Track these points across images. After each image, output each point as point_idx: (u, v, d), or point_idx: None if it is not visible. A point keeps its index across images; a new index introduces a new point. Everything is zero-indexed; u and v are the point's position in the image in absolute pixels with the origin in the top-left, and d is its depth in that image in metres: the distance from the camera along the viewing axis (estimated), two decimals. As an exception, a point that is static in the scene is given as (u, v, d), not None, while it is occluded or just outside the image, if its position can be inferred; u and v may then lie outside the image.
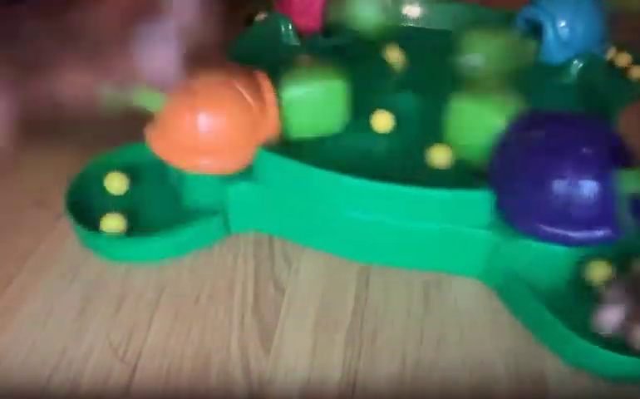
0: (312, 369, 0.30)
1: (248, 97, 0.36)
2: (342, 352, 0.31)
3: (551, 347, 0.31)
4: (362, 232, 0.35)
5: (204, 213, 0.37)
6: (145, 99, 0.33)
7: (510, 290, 0.33)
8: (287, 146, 0.38)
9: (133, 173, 0.40)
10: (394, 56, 0.50)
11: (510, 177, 0.33)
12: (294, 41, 0.53)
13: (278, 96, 0.38)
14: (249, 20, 0.56)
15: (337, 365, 0.30)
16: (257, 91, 0.37)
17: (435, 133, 0.39)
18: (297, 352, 0.31)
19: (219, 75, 0.36)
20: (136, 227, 0.36)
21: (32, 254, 0.36)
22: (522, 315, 0.33)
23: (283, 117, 0.38)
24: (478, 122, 0.37)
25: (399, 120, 0.42)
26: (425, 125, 0.41)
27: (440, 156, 0.38)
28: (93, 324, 0.32)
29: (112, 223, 0.36)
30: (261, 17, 0.55)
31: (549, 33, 0.48)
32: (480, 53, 0.45)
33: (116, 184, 0.39)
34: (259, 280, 0.35)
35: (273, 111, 0.37)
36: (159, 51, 0.24)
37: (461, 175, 0.37)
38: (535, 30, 0.50)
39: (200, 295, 0.34)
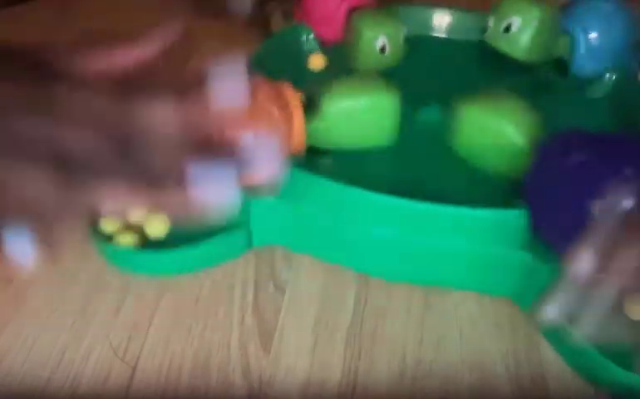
0: (312, 369, 0.30)
1: (274, 112, 0.35)
2: (342, 352, 0.31)
3: (586, 376, 0.30)
4: (390, 250, 0.34)
5: (226, 227, 0.36)
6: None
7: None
8: (310, 160, 0.37)
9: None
10: (316, 62, 0.50)
11: (550, 199, 0.32)
12: (316, 52, 0.52)
13: (324, 106, 0.38)
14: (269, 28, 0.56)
15: (337, 365, 0.30)
16: (284, 106, 0.36)
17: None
18: (297, 352, 0.31)
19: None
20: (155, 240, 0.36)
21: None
22: (558, 342, 0.31)
23: (330, 127, 0.38)
24: (487, 128, 0.37)
25: (423, 133, 0.41)
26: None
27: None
28: (93, 324, 0.32)
29: (130, 238, 0.35)
30: (278, 24, 0.55)
31: (581, 45, 0.46)
32: (517, 15, 0.44)
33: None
34: (259, 280, 0.35)
35: (299, 124, 0.37)
36: (216, 188, 0.25)
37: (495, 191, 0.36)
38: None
39: (200, 295, 0.34)
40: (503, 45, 0.45)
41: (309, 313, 0.33)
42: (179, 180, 0.25)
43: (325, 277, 0.35)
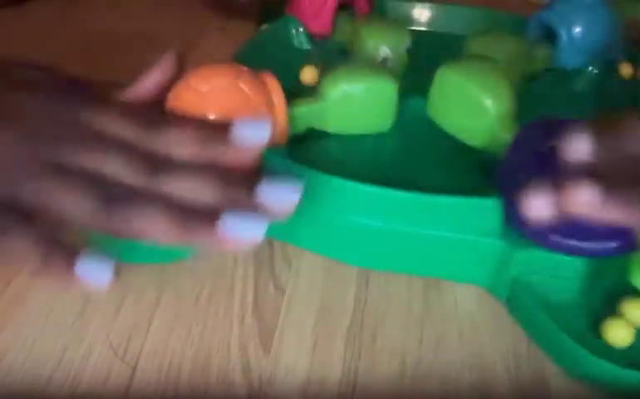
0: (312, 369, 0.30)
1: (255, 100, 0.35)
2: (342, 352, 0.31)
3: (556, 360, 0.30)
4: (367, 238, 0.34)
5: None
6: None
7: (519, 302, 0.32)
8: (291, 148, 0.37)
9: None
10: (309, 76, 0.49)
11: (521, 185, 0.32)
12: (306, 45, 0.53)
13: (324, 90, 0.38)
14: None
15: (337, 365, 0.30)
16: (264, 94, 0.36)
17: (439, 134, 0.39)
18: (297, 352, 0.31)
19: (225, 76, 0.36)
20: None
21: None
22: (530, 327, 0.32)
23: (331, 110, 0.39)
24: (460, 93, 0.38)
25: (405, 124, 0.42)
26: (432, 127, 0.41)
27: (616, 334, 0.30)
28: (93, 324, 0.32)
29: None
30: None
31: (564, 38, 0.48)
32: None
33: None
34: (259, 280, 0.35)
35: (281, 114, 0.37)
36: (246, 235, 0.26)
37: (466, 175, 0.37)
38: (549, 35, 0.49)
39: (200, 295, 0.34)
40: None
41: (309, 313, 0.33)
42: (209, 216, 0.26)
43: (325, 277, 0.35)
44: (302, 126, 0.40)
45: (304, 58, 0.51)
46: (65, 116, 0.29)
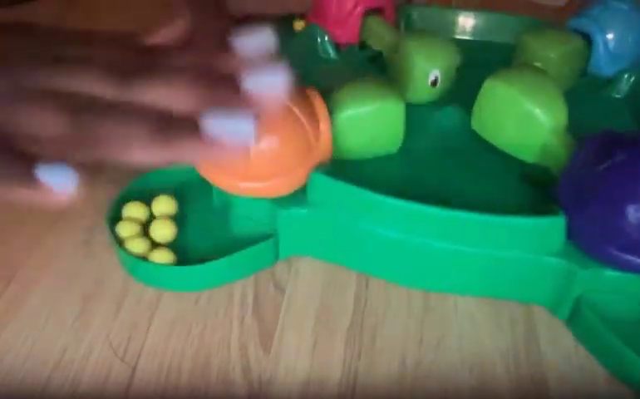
0: (312, 369, 0.30)
1: (302, 118, 0.34)
2: (342, 352, 0.31)
3: (622, 378, 0.30)
4: (424, 258, 0.33)
5: (252, 239, 0.35)
6: None
7: (582, 320, 0.32)
8: (338, 168, 0.35)
9: (176, 194, 0.38)
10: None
11: (584, 202, 0.31)
12: (331, 54, 0.51)
13: (333, 115, 0.36)
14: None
15: (337, 365, 0.30)
16: (310, 112, 0.35)
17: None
18: (297, 352, 0.31)
19: None
20: (180, 252, 0.35)
21: (32, 255, 0.36)
22: (594, 345, 0.31)
23: (338, 137, 0.37)
24: (509, 106, 0.36)
25: (445, 136, 0.41)
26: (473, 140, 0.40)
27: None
28: (93, 324, 0.32)
29: (161, 256, 0.34)
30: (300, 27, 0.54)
31: (599, 45, 0.47)
32: (539, 60, 0.43)
33: (163, 207, 0.37)
34: (259, 280, 0.35)
35: (326, 132, 0.35)
36: (232, 136, 0.24)
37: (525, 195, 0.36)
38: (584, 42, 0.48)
39: (200, 295, 0.34)
40: None
41: (309, 313, 0.33)
42: (195, 127, 0.24)
43: (325, 277, 0.35)
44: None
45: (330, 67, 0.50)
46: (36, 46, 0.28)
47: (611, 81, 0.47)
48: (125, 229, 0.35)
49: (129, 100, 0.25)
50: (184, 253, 0.35)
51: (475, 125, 0.39)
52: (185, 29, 0.32)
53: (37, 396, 0.29)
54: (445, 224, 0.32)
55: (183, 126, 0.24)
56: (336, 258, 0.36)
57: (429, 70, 0.43)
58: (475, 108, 0.39)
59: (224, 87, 0.25)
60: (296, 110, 0.34)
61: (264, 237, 0.35)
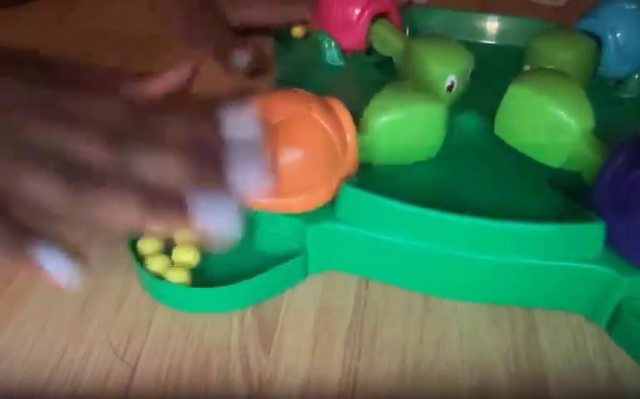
0: (312, 369, 0.30)
1: (329, 130, 0.33)
2: (342, 352, 0.31)
3: None
4: (461, 270, 0.33)
5: (277, 256, 0.34)
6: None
7: (624, 326, 0.31)
8: (364, 180, 0.35)
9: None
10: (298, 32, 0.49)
11: (626, 208, 0.30)
12: (338, 61, 0.50)
13: (369, 120, 0.36)
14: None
15: (337, 365, 0.30)
16: (337, 123, 0.34)
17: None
18: (297, 352, 0.31)
19: (296, 104, 0.33)
20: (201, 270, 0.34)
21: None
22: (637, 351, 0.31)
23: (377, 142, 0.36)
24: (536, 110, 0.35)
25: (467, 142, 0.40)
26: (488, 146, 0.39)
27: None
28: (93, 324, 0.32)
29: (176, 275, 0.33)
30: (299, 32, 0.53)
31: (610, 46, 0.46)
32: (551, 63, 0.42)
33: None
34: (259, 280, 0.35)
35: (352, 144, 0.35)
36: (217, 218, 0.25)
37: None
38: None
39: (200, 295, 0.34)
40: None
41: (309, 313, 0.33)
42: (182, 201, 0.25)
43: (325, 277, 0.35)
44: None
45: (338, 74, 0.49)
46: (39, 101, 0.27)
47: (621, 82, 0.46)
48: (146, 246, 0.34)
49: (122, 166, 0.25)
50: (203, 272, 0.34)
51: (500, 131, 0.38)
52: (189, 74, 0.33)
53: (37, 396, 0.29)
54: (482, 235, 0.31)
55: (171, 199, 0.25)
56: (368, 272, 0.35)
57: (445, 75, 0.42)
58: (500, 114, 0.38)
59: (214, 168, 0.26)
60: (322, 121, 0.33)
61: (291, 254, 0.34)
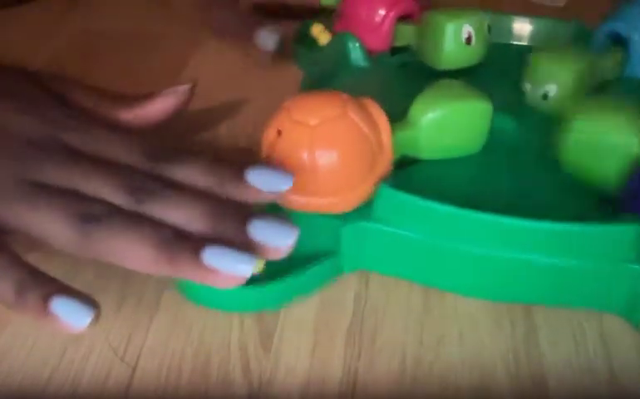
0: (312, 369, 0.30)
1: (366, 130, 0.33)
2: (342, 352, 0.31)
3: None
4: (499, 270, 0.33)
5: (310, 256, 0.33)
6: None
7: None
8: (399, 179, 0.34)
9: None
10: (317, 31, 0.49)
11: None
12: (363, 62, 0.49)
13: (414, 115, 0.36)
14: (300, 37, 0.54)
15: (337, 365, 0.30)
16: (372, 123, 0.34)
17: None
18: (297, 352, 0.31)
19: (333, 106, 0.33)
20: None
21: (31, 254, 0.36)
22: None
23: (422, 138, 0.36)
24: (605, 143, 0.34)
25: (496, 142, 0.40)
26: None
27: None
28: (93, 324, 0.32)
29: None
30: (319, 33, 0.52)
31: (636, 46, 0.45)
32: (552, 81, 0.42)
33: None
34: (259, 280, 0.35)
35: (388, 143, 0.35)
36: (228, 272, 0.25)
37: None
38: (617, 45, 0.47)
39: (200, 295, 0.34)
40: (544, 109, 0.43)
41: (309, 313, 0.33)
42: (195, 246, 0.25)
43: (325, 277, 0.35)
44: (394, 156, 0.36)
45: (363, 75, 0.48)
46: (47, 133, 0.27)
47: None
48: None
49: (137, 212, 0.26)
50: None
51: (564, 165, 0.37)
52: (188, 94, 0.33)
53: (37, 396, 0.29)
54: (520, 235, 0.31)
55: (186, 246, 0.25)
56: (404, 273, 0.35)
57: (460, 26, 0.44)
58: (563, 148, 0.37)
59: (232, 219, 0.26)
60: (358, 120, 0.33)
61: (324, 253, 0.34)
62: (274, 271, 0.32)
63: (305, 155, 0.32)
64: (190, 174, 0.27)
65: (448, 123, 0.37)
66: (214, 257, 0.25)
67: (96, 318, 0.25)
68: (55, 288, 0.25)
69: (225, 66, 0.55)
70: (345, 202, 0.34)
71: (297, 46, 0.54)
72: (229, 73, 0.54)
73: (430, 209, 0.32)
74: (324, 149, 0.32)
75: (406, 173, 0.37)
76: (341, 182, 0.33)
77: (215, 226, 0.26)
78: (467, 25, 0.44)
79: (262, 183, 0.27)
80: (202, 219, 0.26)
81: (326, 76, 0.48)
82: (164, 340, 0.32)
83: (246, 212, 0.26)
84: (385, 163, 0.35)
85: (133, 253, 0.25)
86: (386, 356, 0.31)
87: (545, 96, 0.43)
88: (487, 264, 0.33)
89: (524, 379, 0.30)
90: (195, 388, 0.29)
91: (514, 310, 0.33)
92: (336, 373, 0.30)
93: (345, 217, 0.34)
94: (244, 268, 0.25)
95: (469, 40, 0.43)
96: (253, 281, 0.30)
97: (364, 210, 0.34)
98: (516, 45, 0.54)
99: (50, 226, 0.25)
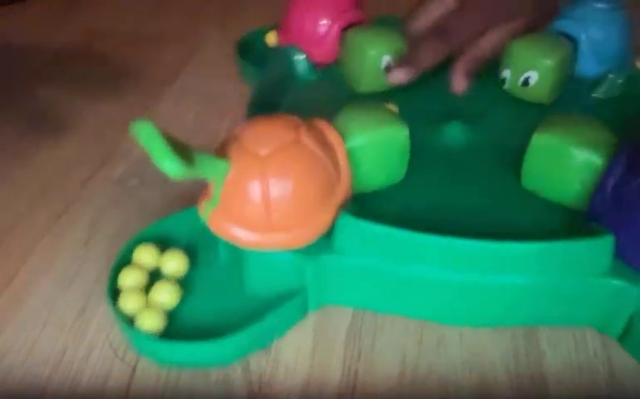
0: (312, 369, 0.30)
1: (321, 155, 0.30)
2: (342, 352, 0.31)
3: None
4: (468, 294, 0.31)
5: (272, 297, 0.31)
6: (207, 167, 0.28)
7: (637, 338, 0.31)
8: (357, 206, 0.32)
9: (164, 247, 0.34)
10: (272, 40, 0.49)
11: (631, 217, 0.30)
12: (310, 75, 0.48)
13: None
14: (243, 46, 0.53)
15: (336, 365, 0.30)
16: (327, 145, 0.31)
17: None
18: (297, 352, 0.31)
19: (285, 132, 0.30)
20: (182, 318, 0.31)
21: (31, 254, 0.36)
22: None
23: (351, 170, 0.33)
24: (568, 161, 0.33)
25: (447, 153, 0.39)
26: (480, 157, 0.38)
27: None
28: (93, 324, 0.32)
29: (150, 322, 0.30)
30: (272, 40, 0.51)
31: (584, 46, 0.46)
32: (533, 68, 0.42)
33: (172, 265, 0.33)
34: (259, 280, 0.35)
35: (345, 166, 0.32)
36: None
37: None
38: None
39: (200, 295, 0.34)
40: (524, 96, 0.43)
41: (309, 314, 0.33)
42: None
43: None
44: None
45: (311, 89, 0.47)
46: None
47: (596, 83, 0.46)
48: (126, 278, 0.32)
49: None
50: (185, 318, 0.31)
51: (526, 182, 0.36)
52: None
53: (37, 396, 0.29)
54: (488, 257, 0.30)
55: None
56: (372, 304, 0.33)
57: (380, 54, 0.43)
58: (525, 166, 0.36)
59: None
60: (313, 146, 0.30)
61: (287, 293, 0.31)
62: (226, 315, 0.31)
63: (256, 188, 0.29)
64: None
65: (362, 154, 0.33)
66: None
67: None
68: None
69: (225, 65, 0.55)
70: (302, 236, 0.30)
71: (242, 59, 0.52)
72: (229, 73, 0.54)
73: (395, 237, 0.30)
74: (277, 180, 0.29)
75: (363, 198, 0.34)
76: (298, 215, 0.30)
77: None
78: (387, 55, 0.43)
79: None
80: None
81: (273, 92, 0.45)
82: (164, 340, 0.31)
83: None
84: (343, 188, 0.32)
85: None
86: (385, 356, 0.31)
87: (526, 83, 0.43)
88: (457, 290, 0.31)
89: (524, 379, 0.30)
90: (195, 388, 0.29)
91: (514, 310, 0.33)
92: (336, 374, 0.30)
93: (306, 251, 0.31)
94: None
95: (388, 69, 0.42)
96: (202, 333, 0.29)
97: (326, 242, 0.31)
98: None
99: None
